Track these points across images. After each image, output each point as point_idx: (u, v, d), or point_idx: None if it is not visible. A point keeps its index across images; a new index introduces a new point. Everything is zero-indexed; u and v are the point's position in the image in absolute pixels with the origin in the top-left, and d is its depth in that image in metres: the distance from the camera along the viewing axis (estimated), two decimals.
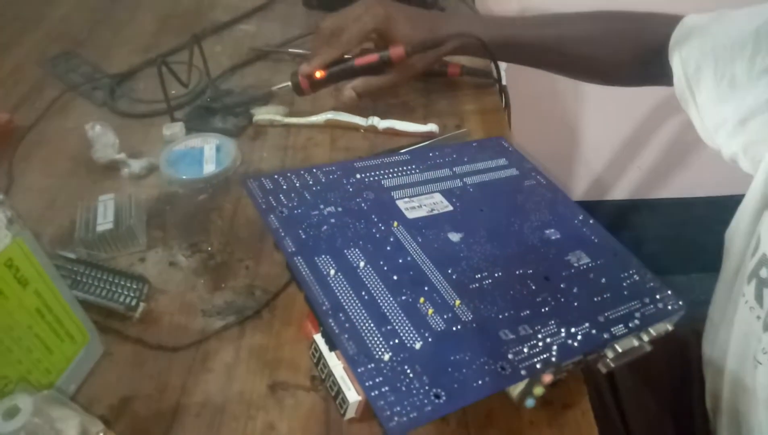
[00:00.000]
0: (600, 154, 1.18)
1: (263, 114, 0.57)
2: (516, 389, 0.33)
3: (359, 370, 0.29)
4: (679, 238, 1.20)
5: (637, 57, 0.54)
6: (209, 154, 0.53)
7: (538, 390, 0.32)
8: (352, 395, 0.32)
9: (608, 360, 0.35)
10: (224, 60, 0.67)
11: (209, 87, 0.61)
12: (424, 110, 0.59)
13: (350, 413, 0.33)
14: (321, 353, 0.33)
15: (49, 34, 0.74)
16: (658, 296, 0.38)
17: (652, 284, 0.39)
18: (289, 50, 0.67)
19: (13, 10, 0.79)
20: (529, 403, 0.33)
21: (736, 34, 0.44)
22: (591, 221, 0.43)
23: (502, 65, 0.60)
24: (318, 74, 0.54)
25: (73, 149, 0.55)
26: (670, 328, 0.37)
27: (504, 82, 0.65)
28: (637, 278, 0.39)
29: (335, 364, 0.33)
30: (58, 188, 0.51)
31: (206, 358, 0.38)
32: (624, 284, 0.38)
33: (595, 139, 1.15)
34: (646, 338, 0.36)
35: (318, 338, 0.34)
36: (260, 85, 0.63)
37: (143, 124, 0.59)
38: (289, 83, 0.56)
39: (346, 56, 0.55)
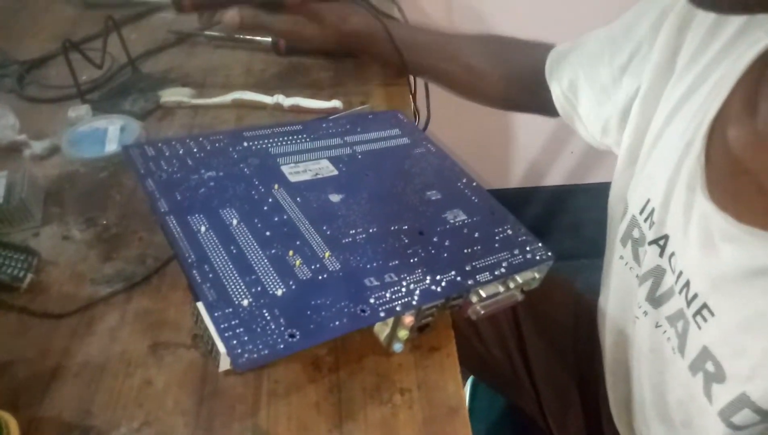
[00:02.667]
0: (533, 140, 1.21)
1: (170, 95, 0.57)
2: (383, 334, 0.35)
3: (216, 314, 0.30)
4: None
5: (514, 75, 0.57)
6: (113, 134, 0.53)
7: (402, 333, 0.34)
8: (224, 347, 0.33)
9: (477, 307, 0.37)
10: (140, 47, 0.68)
11: (131, 68, 0.61)
12: (332, 89, 0.60)
13: (224, 365, 0.34)
14: (199, 310, 0.34)
15: None
16: (528, 248, 0.40)
17: (524, 238, 0.41)
18: (206, 33, 0.67)
19: None
20: (397, 347, 0.35)
21: (597, 45, 0.49)
22: (474, 184, 0.45)
23: None
24: None
25: None
26: (537, 276, 0.40)
27: None
28: (510, 233, 0.41)
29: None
30: None
31: (91, 323, 0.38)
32: (496, 238, 0.40)
33: (527, 126, 1.18)
34: (512, 285, 0.38)
35: None
36: (175, 69, 0.64)
37: (52, 109, 0.58)
38: None
39: None
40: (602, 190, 0.49)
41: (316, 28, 0.55)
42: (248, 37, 0.65)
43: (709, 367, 0.35)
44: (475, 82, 0.59)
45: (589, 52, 0.50)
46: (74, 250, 0.43)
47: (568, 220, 1.32)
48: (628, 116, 0.47)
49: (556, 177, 1.28)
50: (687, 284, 0.37)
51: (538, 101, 0.55)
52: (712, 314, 0.35)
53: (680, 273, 0.38)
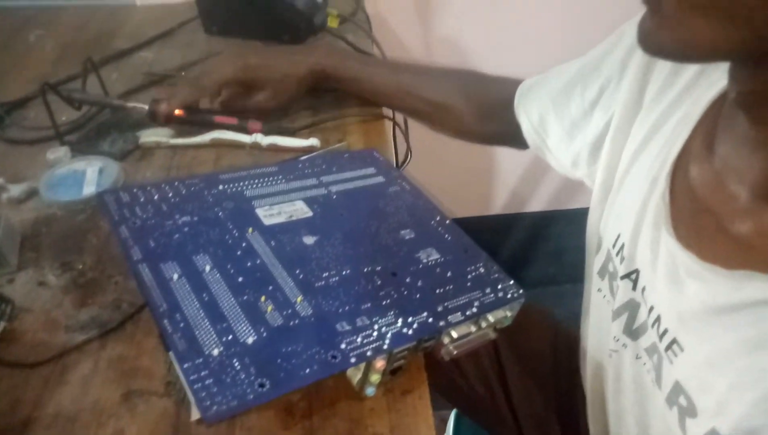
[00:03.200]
0: (514, 167, 1.23)
1: (149, 136, 0.58)
2: (355, 378, 0.35)
3: (185, 366, 0.30)
4: None
5: (483, 109, 0.59)
6: (91, 176, 0.53)
7: (375, 377, 0.34)
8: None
9: (450, 347, 0.37)
10: (120, 86, 0.68)
11: (110, 108, 0.62)
12: (310, 127, 0.61)
13: (196, 414, 0.34)
14: (172, 358, 0.34)
15: None
16: (499, 286, 0.41)
17: (496, 276, 0.41)
18: (183, 74, 0.68)
19: None
20: (370, 391, 0.35)
21: (566, 80, 0.50)
22: (447, 222, 0.46)
23: None
24: (177, 111, 0.58)
25: None
26: (509, 314, 0.40)
27: None
28: (483, 271, 0.42)
29: None
30: None
31: (64, 372, 0.38)
32: (469, 277, 0.41)
33: (508, 153, 1.20)
34: (484, 324, 0.39)
35: None
36: None
37: (32, 150, 0.59)
38: (146, 107, 0.58)
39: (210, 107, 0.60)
40: (583, 215, 0.51)
41: (286, 91, 0.59)
42: None
43: (682, 401, 0.36)
44: (445, 117, 0.60)
45: (559, 86, 0.51)
46: (49, 296, 0.43)
47: (550, 246, 1.33)
48: (599, 150, 0.48)
49: (537, 203, 1.30)
50: (658, 319, 0.38)
51: (508, 134, 0.56)
52: (682, 349, 0.36)
53: (651, 307, 0.39)
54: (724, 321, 0.33)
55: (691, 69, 0.40)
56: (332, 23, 0.76)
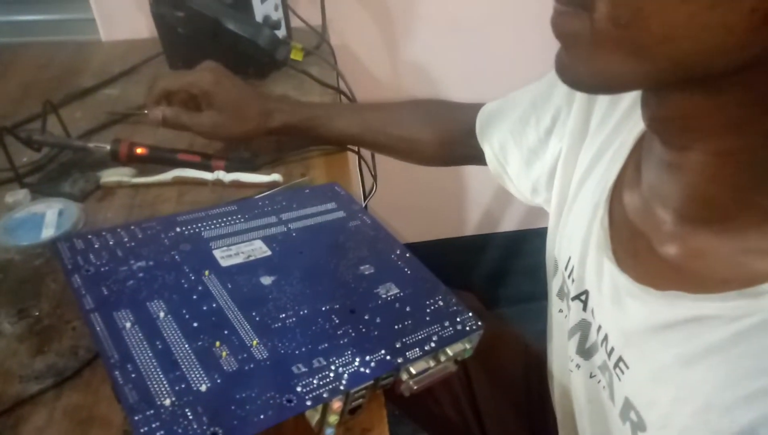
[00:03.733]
0: (485, 188, 1.24)
1: (110, 176, 0.58)
2: (313, 419, 0.35)
3: (135, 418, 0.30)
4: None
5: (447, 137, 0.61)
6: (50, 218, 0.53)
7: (333, 418, 0.34)
8: None
9: (410, 382, 0.38)
10: (84, 125, 0.68)
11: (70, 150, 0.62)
12: (274, 162, 0.61)
13: None
14: None
15: None
16: (458, 319, 0.41)
17: (454, 308, 0.42)
18: (146, 111, 0.68)
19: None
20: (329, 432, 0.35)
21: (521, 111, 0.52)
22: (407, 255, 0.46)
23: None
24: (139, 150, 0.58)
25: None
26: (468, 346, 0.41)
27: None
28: (442, 304, 0.42)
29: None
30: None
31: (17, 424, 0.37)
32: (428, 310, 0.41)
33: (478, 174, 1.22)
34: (443, 358, 0.39)
35: None
36: None
37: None
38: (108, 146, 0.58)
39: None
40: None
41: (238, 125, 0.57)
42: None
43: (633, 416, 0.37)
44: (412, 149, 0.61)
45: (515, 116, 0.52)
46: (4, 346, 0.43)
47: (524, 263, 1.34)
48: (555, 177, 0.49)
49: (510, 223, 1.32)
50: (606, 338, 0.39)
51: (475, 157, 0.58)
52: (627, 367, 0.37)
53: (599, 327, 0.40)
54: (661, 338, 0.34)
55: (627, 99, 0.42)
56: (296, 56, 0.77)
